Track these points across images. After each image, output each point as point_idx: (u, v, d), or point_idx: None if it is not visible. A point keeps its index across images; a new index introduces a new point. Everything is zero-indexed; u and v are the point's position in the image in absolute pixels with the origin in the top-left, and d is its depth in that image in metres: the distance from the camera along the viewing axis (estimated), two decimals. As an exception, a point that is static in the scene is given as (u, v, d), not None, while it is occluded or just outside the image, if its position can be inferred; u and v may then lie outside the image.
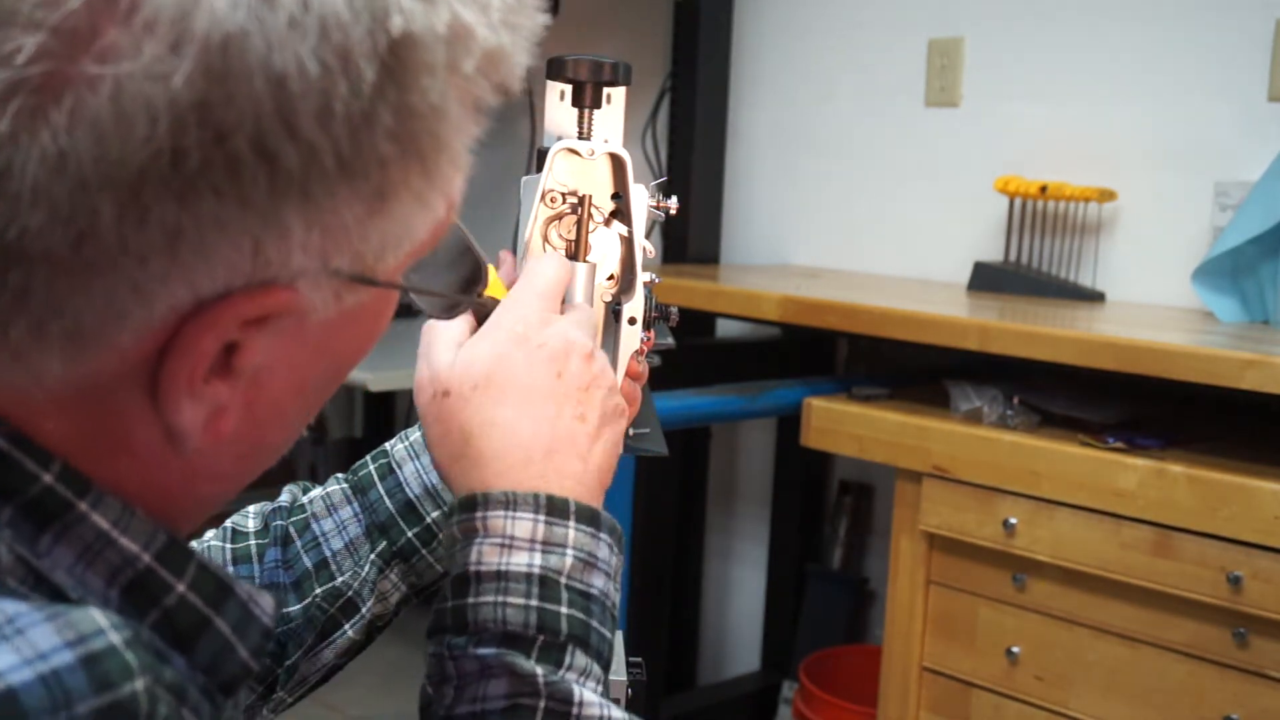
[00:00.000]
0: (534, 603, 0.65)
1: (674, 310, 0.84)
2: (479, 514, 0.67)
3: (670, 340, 0.85)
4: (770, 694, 2.58)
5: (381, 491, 0.87)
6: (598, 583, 0.67)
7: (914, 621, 1.81)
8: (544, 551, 0.66)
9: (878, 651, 1.89)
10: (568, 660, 0.65)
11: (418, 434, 0.88)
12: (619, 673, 0.80)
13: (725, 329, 2.56)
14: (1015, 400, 1.75)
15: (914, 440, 1.76)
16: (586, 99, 0.80)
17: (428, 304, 0.71)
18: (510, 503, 0.66)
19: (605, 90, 0.81)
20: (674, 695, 2.60)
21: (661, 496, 2.30)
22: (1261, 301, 1.86)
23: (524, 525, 0.66)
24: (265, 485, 0.85)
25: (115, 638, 0.44)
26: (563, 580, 0.66)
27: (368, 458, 0.89)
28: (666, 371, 1.90)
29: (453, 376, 0.71)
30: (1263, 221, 1.79)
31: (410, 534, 0.86)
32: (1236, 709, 1.52)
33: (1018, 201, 2.19)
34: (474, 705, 0.64)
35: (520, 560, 0.65)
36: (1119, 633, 1.61)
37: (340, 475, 0.90)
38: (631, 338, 0.82)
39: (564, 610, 0.65)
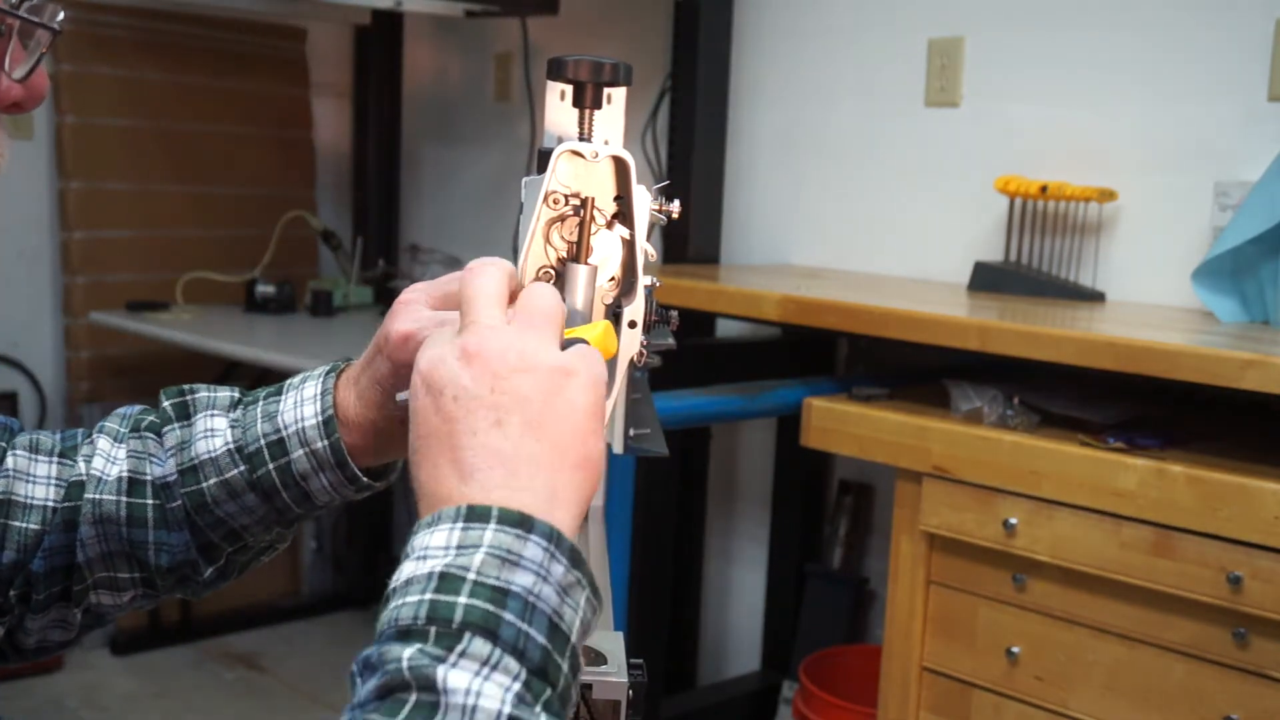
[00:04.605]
0: (427, 596, 0.60)
1: (674, 314, 0.84)
2: (407, 543, 0.64)
3: (670, 340, 0.85)
4: (770, 694, 2.59)
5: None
6: (521, 580, 0.61)
7: (914, 621, 1.81)
8: (456, 553, 0.61)
9: (878, 651, 1.89)
10: (460, 647, 0.58)
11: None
12: (620, 674, 0.80)
13: (725, 329, 2.56)
14: (1015, 400, 1.75)
15: (914, 440, 1.76)
16: (587, 99, 0.80)
17: None
18: (434, 520, 0.63)
19: (606, 91, 0.81)
20: (674, 695, 2.60)
21: (661, 496, 2.30)
22: (1261, 301, 1.86)
23: (440, 535, 0.62)
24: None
25: None
26: (470, 575, 0.60)
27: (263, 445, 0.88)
28: (666, 371, 1.90)
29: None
30: (1263, 221, 1.79)
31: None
32: (1236, 709, 1.52)
33: (1018, 201, 2.19)
34: (354, 713, 0.59)
35: (428, 566, 0.61)
36: (1119, 633, 1.61)
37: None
38: (631, 341, 0.82)
39: (461, 600, 0.59)
